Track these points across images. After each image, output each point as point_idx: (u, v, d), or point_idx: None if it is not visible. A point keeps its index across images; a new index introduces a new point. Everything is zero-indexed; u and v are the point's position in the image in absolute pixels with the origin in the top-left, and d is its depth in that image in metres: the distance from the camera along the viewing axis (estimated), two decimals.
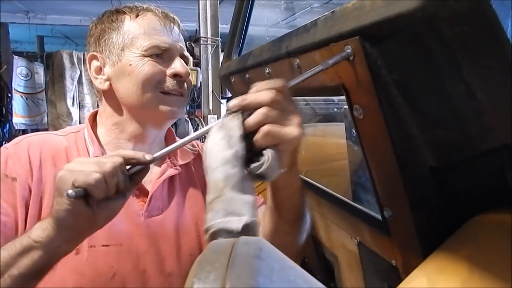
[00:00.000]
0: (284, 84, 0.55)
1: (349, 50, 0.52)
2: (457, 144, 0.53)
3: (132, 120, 0.79)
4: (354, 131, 1.02)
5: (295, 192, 0.67)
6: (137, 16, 0.78)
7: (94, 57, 0.80)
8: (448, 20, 0.37)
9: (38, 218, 0.70)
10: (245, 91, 1.23)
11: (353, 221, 0.84)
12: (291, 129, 0.54)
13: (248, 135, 0.53)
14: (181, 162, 0.84)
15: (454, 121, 0.50)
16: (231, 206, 0.48)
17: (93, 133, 0.81)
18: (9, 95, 4.79)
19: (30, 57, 5.31)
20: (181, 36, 0.84)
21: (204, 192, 0.81)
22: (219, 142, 0.51)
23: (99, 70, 0.80)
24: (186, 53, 0.84)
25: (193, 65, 3.49)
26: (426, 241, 0.59)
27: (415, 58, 0.46)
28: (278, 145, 0.53)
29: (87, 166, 0.53)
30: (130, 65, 0.75)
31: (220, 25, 3.10)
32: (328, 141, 1.55)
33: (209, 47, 3.07)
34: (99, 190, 0.52)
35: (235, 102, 0.53)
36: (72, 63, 5.11)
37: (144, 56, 0.75)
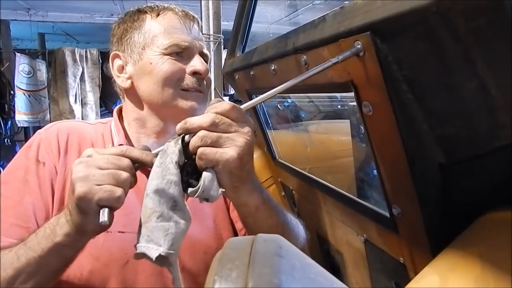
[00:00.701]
0: (230, 107, 0.57)
1: (359, 46, 0.52)
2: (468, 140, 0.52)
3: (153, 116, 0.81)
4: (361, 127, 1.01)
5: (256, 210, 0.68)
6: (157, 15, 0.80)
7: (116, 56, 0.83)
8: (463, 14, 0.36)
9: (61, 200, 0.74)
10: (249, 88, 1.23)
11: (359, 219, 0.84)
12: (226, 151, 0.55)
13: (193, 157, 0.56)
14: None
15: (465, 117, 0.49)
16: (153, 235, 0.53)
17: (120, 124, 0.84)
18: (12, 92, 4.79)
19: (32, 54, 5.30)
20: (200, 34, 0.85)
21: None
22: (155, 169, 0.55)
23: (122, 69, 0.82)
24: (206, 51, 0.85)
25: None
26: (435, 238, 0.59)
27: (427, 53, 0.46)
28: (215, 167, 0.56)
29: (102, 178, 0.54)
30: (151, 63, 0.76)
31: (222, 22, 3.08)
32: (332, 138, 1.54)
33: (211, 44, 3.06)
34: (121, 203, 0.55)
35: (179, 125, 0.56)
36: (74, 60, 5.11)
37: (164, 54, 0.76)
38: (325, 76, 0.69)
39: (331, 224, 1.06)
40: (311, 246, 1.27)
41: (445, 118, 0.51)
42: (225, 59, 1.45)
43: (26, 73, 5.04)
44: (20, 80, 4.98)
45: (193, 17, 0.84)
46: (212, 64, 3.10)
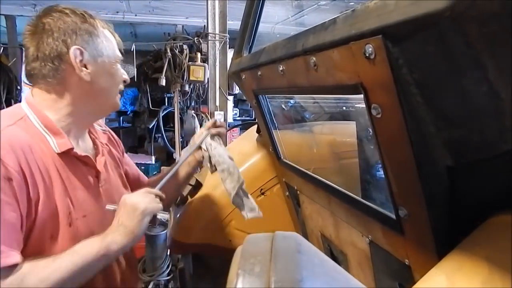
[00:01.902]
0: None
1: (370, 49, 0.52)
2: (476, 144, 0.53)
3: (89, 109, 0.98)
4: (367, 129, 1.02)
5: None
6: (103, 27, 0.98)
7: (78, 50, 0.90)
8: (476, 19, 0.37)
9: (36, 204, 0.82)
10: (256, 88, 1.23)
11: (364, 220, 0.85)
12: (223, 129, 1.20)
13: None
14: (104, 141, 1.12)
15: (474, 120, 0.50)
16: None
17: (51, 122, 0.91)
18: (18, 87, 4.81)
19: None
20: None
21: (119, 161, 1.17)
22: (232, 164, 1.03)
23: (81, 63, 0.92)
24: None
25: (200, 61, 3.48)
26: (442, 240, 0.60)
27: (438, 57, 0.46)
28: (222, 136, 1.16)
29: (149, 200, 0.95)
30: (113, 67, 0.98)
31: (228, 22, 3.09)
32: (338, 139, 1.55)
33: (217, 43, 3.07)
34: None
35: (211, 123, 1.16)
36: None
37: (117, 63, 1.00)
38: (334, 78, 0.69)
39: (336, 224, 1.07)
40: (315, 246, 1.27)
41: (454, 121, 0.52)
42: (231, 59, 1.46)
43: None
44: None
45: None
46: (217, 63, 3.12)
